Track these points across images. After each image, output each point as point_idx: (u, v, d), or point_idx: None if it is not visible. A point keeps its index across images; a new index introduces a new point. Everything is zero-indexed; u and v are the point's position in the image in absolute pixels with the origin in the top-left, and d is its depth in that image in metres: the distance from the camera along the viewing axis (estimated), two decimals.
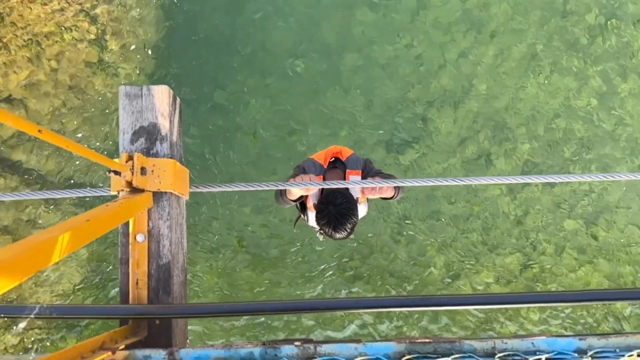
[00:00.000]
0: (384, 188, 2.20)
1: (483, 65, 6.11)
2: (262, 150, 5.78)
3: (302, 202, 2.55)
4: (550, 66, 6.20)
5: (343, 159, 2.43)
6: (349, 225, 2.18)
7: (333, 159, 2.44)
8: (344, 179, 2.33)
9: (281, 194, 2.35)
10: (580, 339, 1.83)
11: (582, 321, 5.95)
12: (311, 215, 2.36)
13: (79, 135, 5.60)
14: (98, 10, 5.68)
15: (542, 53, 6.21)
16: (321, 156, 2.49)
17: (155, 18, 5.82)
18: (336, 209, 2.15)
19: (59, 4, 5.60)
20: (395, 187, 2.30)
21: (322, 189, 2.31)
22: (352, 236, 2.29)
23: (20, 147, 5.46)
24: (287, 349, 1.75)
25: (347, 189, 2.29)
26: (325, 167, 2.43)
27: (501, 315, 5.86)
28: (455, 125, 6.01)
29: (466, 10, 6.15)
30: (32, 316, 1.86)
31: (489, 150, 6.01)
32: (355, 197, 2.30)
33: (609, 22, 6.30)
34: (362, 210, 2.42)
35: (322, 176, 2.40)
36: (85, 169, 5.54)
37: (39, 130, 1.42)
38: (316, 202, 2.32)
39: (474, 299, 2.15)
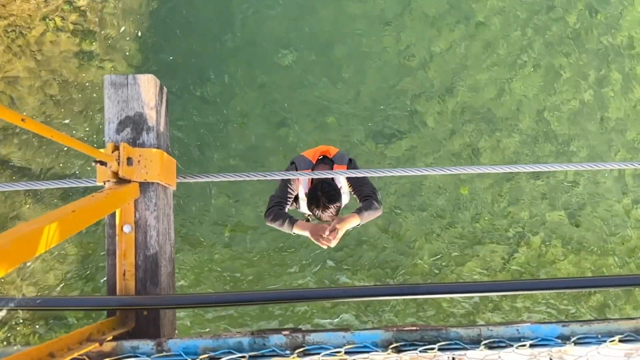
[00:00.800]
0: (345, 224, 2.53)
1: (471, 57, 6.14)
2: (250, 141, 5.77)
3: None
4: (537, 59, 6.25)
5: (330, 157, 2.79)
6: (334, 208, 2.55)
7: (322, 156, 2.79)
8: (333, 184, 2.66)
9: (290, 222, 2.58)
10: (563, 326, 1.87)
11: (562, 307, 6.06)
12: (302, 203, 2.73)
13: (66, 121, 5.53)
14: (83, 1, 5.59)
15: (529, 45, 6.25)
16: (310, 153, 2.83)
17: (141, 8, 5.74)
18: (324, 195, 2.51)
19: None
20: (359, 215, 2.58)
21: (312, 180, 2.69)
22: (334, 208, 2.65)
23: (4, 140, 5.37)
24: (276, 339, 1.76)
25: (332, 179, 2.63)
26: (314, 163, 2.75)
27: (485, 308, 5.94)
28: (443, 118, 6.04)
29: (454, 2, 6.16)
30: (17, 308, 1.84)
31: (476, 142, 6.06)
32: (339, 187, 2.65)
33: (598, 14, 6.36)
34: (345, 198, 2.77)
35: (311, 170, 2.71)
36: (66, 162, 5.48)
37: (22, 119, 1.40)
38: (307, 191, 2.66)
39: (461, 287, 2.17)
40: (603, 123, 6.30)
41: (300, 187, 2.73)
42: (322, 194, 2.51)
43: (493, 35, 6.19)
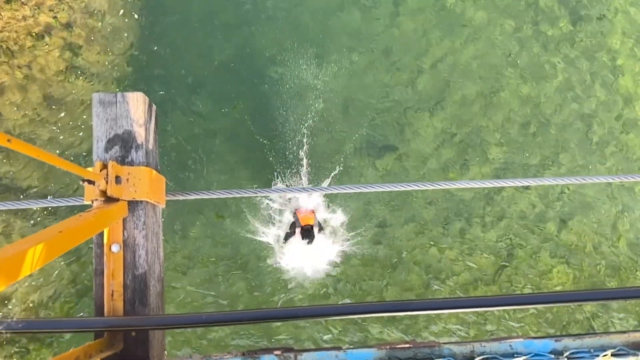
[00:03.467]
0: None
1: (458, 70, 6.22)
2: (239, 156, 5.75)
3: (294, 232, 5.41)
4: (522, 72, 6.35)
5: (311, 224, 5.26)
6: (312, 238, 5.15)
7: (307, 224, 5.26)
8: (312, 230, 5.19)
9: (285, 240, 5.67)
10: (556, 340, 1.86)
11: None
12: (298, 235, 5.21)
13: (53, 137, 5.47)
14: (71, 17, 5.57)
15: (515, 59, 6.35)
16: (304, 220, 5.27)
17: (130, 25, 5.74)
18: (308, 232, 5.14)
19: (30, 10, 5.47)
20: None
21: (302, 228, 5.22)
22: (312, 242, 5.23)
23: None
24: (268, 359, 1.74)
25: (312, 227, 5.25)
26: (303, 226, 5.25)
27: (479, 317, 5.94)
28: (432, 130, 6.08)
29: (441, 17, 6.25)
30: (2, 331, 1.79)
31: (464, 154, 6.10)
32: (314, 229, 5.20)
33: (577, 24, 6.49)
34: (315, 233, 5.22)
35: (301, 227, 5.21)
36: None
37: (8, 140, 1.38)
38: (301, 232, 5.15)
39: (453, 302, 2.16)
40: (589, 134, 6.39)
41: (297, 230, 5.24)
42: (307, 231, 5.15)
43: (480, 49, 6.28)
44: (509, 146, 6.20)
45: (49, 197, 5.20)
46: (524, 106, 6.29)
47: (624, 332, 1.92)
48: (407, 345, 1.80)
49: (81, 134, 5.51)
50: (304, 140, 5.84)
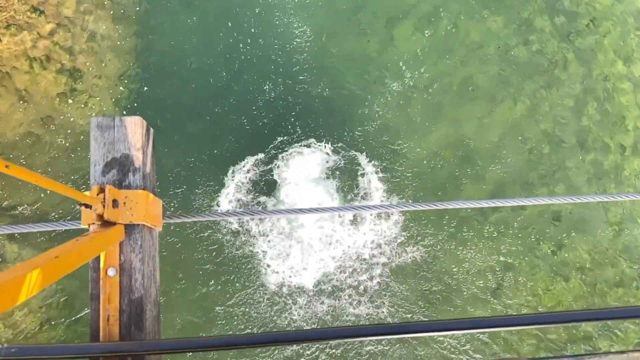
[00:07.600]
0: None
1: (452, 92, 6.30)
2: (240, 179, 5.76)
3: None
4: (516, 93, 6.43)
5: None
6: None
7: None
8: None
9: None
10: None
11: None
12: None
13: (50, 161, 5.47)
14: (70, 41, 5.64)
15: (508, 79, 6.44)
16: None
17: (129, 49, 5.81)
18: None
19: (29, 34, 5.54)
20: None
21: None
22: None
23: None
24: None
25: None
26: None
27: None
28: (426, 151, 6.12)
29: (435, 41, 6.36)
30: None
31: (459, 174, 6.14)
32: None
33: (570, 36, 6.61)
34: None
35: None
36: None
37: (7, 166, 1.39)
38: None
39: (451, 324, 2.15)
40: (583, 153, 6.45)
41: None
42: None
43: (472, 70, 6.37)
44: (505, 166, 6.24)
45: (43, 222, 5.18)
46: (518, 125, 6.36)
47: (623, 352, 1.91)
48: None
49: (78, 158, 5.51)
50: (299, 160, 5.86)
